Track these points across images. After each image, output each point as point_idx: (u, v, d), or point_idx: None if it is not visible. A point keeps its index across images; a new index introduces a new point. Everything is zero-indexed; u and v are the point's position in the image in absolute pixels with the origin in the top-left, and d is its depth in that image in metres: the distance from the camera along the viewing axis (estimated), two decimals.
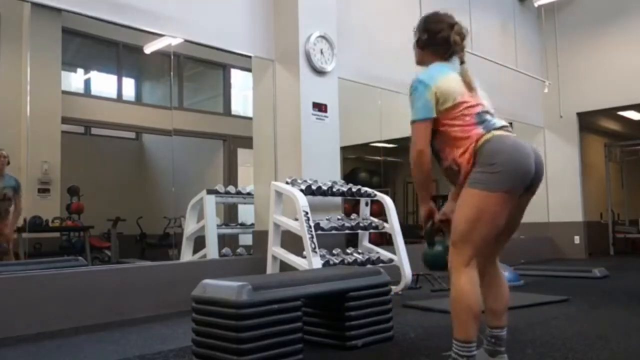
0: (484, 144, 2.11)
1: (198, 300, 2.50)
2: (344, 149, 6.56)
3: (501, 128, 2.19)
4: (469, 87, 2.24)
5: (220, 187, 5.39)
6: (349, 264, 4.41)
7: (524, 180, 2.10)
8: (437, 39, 2.31)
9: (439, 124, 2.20)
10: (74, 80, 8.50)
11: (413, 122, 2.21)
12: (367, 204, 5.03)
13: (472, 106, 2.20)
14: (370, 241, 5.09)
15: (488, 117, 2.22)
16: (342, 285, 2.76)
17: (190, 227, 5.27)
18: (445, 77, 2.22)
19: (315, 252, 4.05)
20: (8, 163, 5.29)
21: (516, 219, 2.26)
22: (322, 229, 4.35)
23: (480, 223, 2.06)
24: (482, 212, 2.05)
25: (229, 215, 7.53)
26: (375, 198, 4.93)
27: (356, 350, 2.72)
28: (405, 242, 4.78)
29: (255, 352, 2.33)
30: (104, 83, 8.85)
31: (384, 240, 6.09)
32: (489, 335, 2.25)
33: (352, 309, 2.76)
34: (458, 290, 2.07)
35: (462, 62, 2.32)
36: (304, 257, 4.11)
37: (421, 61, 2.40)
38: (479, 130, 2.15)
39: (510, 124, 9.13)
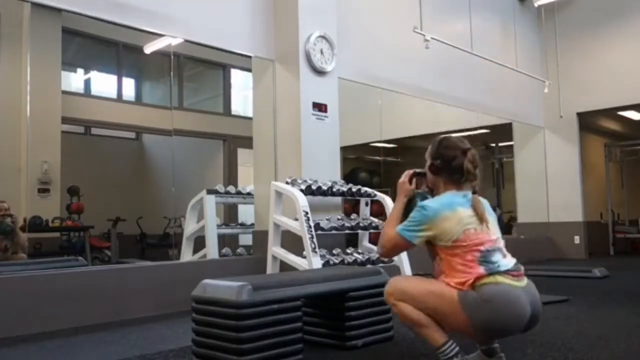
0: (481, 286, 2.07)
1: (198, 300, 2.50)
2: (344, 149, 6.57)
3: (506, 272, 2.11)
4: (481, 219, 2.17)
5: (220, 187, 5.39)
6: (349, 264, 4.40)
7: (505, 333, 2.17)
8: (452, 166, 2.25)
9: (439, 249, 2.19)
10: (74, 80, 8.50)
11: (398, 232, 2.23)
12: (367, 204, 5.03)
13: (476, 245, 2.12)
14: (370, 241, 5.09)
15: (494, 257, 2.13)
16: (342, 285, 2.77)
17: (190, 227, 5.27)
18: (449, 214, 2.16)
19: (315, 252, 4.05)
20: (10, 217, 5.20)
21: None
22: (322, 229, 4.35)
23: (434, 310, 2.14)
24: (444, 310, 2.12)
25: (229, 215, 7.53)
26: (375, 198, 4.93)
27: (356, 350, 2.72)
28: None
29: (255, 352, 2.33)
30: (104, 83, 8.85)
31: None
32: (481, 349, 2.25)
33: (352, 309, 2.76)
34: (402, 317, 2.21)
35: (474, 192, 2.26)
36: (304, 257, 4.11)
37: (434, 186, 2.35)
38: (481, 270, 2.09)
39: (510, 124, 9.23)
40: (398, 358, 2.63)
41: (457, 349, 2.14)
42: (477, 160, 2.27)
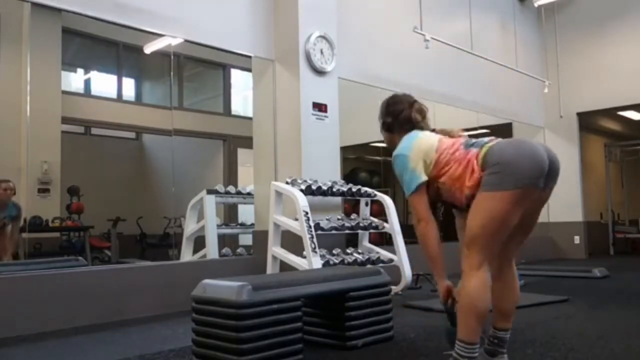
0: (485, 153, 2.10)
1: (198, 300, 2.50)
2: (344, 149, 6.56)
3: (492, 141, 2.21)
4: (444, 133, 2.33)
5: (220, 187, 5.39)
6: (349, 264, 4.40)
7: (534, 175, 2.06)
8: (400, 119, 2.42)
9: (439, 176, 2.20)
10: (74, 80, 8.50)
11: (409, 196, 2.23)
12: (367, 204, 5.03)
13: (454, 144, 2.23)
14: (370, 241, 5.09)
15: (474, 140, 2.25)
16: (342, 285, 2.77)
17: (190, 227, 5.27)
18: (419, 139, 2.28)
19: (315, 252, 4.05)
20: (14, 194, 5.28)
21: (532, 218, 2.26)
22: (322, 229, 4.35)
23: (491, 225, 2.04)
24: (493, 213, 2.03)
25: (229, 215, 7.53)
26: (375, 198, 4.93)
27: (356, 350, 2.72)
28: (406, 242, 4.78)
29: (255, 352, 2.33)
30: (104, 83, 8.85)
31: (384, 240, 6.09)
32: (492, 335, 2.25)
33: (352, 309, 2.76)
34: (467, 292, 2.06)
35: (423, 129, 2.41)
36: (304, 257, 4.11)
37: (391, 143, 2.46)
38: (473, 151, 2.16)
39: (510, 124, 9.21)
40: (398, 358, 2.63)
41: (477, 354, 2.07)
42: (424, 110, 2.46)
